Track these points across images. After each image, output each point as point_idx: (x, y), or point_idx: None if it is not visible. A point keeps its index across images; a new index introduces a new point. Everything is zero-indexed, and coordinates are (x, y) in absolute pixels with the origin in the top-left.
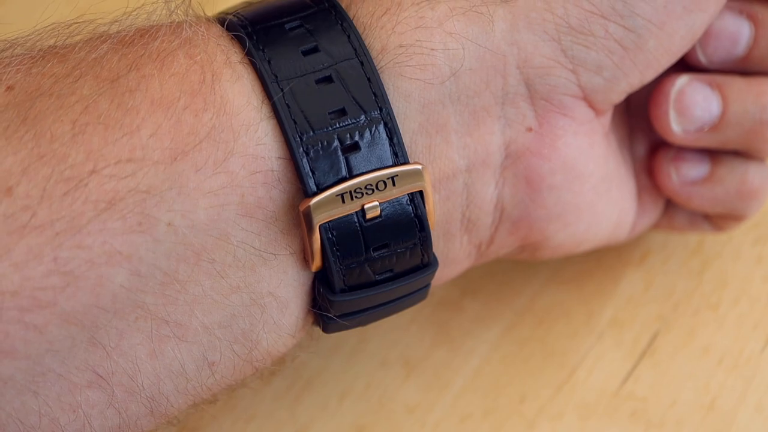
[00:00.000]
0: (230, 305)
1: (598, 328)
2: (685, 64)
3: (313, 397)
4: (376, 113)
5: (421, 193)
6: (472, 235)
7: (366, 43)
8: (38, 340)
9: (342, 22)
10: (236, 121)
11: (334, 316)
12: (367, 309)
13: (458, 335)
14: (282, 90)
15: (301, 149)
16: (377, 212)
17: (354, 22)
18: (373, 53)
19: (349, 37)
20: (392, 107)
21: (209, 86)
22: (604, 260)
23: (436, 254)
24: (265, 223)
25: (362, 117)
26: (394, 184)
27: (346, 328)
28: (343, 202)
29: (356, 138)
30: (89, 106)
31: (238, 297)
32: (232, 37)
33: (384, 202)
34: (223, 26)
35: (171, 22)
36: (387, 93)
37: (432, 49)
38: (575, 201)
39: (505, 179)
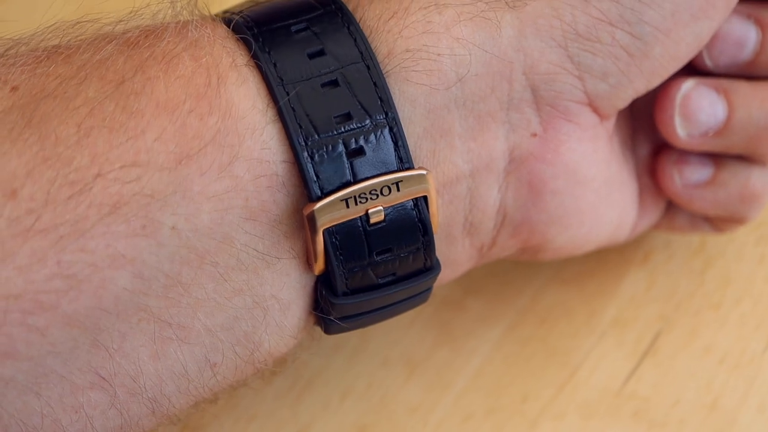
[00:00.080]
0: (233, 308)
1: (601, 328)
2: (690, 67)
3: (315, 397)
4: (381, 118)
5: (425, 197)
6: (474, 238)
7: (372, 46)
8: (40, 342)
9: (349, 26)
10: (241, 125)
11: (336, 318)
12: (368, 312)
13: (460, 335)
14: (288, 94)
15: (306, 153)
16: (381, 217)
17: (360, 24)
18: (380, 57)
19: (355, 40)
20: (398, 112)
21: (215, 89)
22: (606, 260)
23: (438, 257)
24: (268, 226)
25: (367, 121)
26: (398, 189)
27: (348, 329)
28: (348, 206)
29: (361, 142)
30: (94, 109)
31: (241, 300)
32: (237, 39)
33: (388, 207)
34: (228, 27)
35: (177, 23)
36: (393, 97)
37: (439, 55)
38: (577, 205)
39: (508, 184)
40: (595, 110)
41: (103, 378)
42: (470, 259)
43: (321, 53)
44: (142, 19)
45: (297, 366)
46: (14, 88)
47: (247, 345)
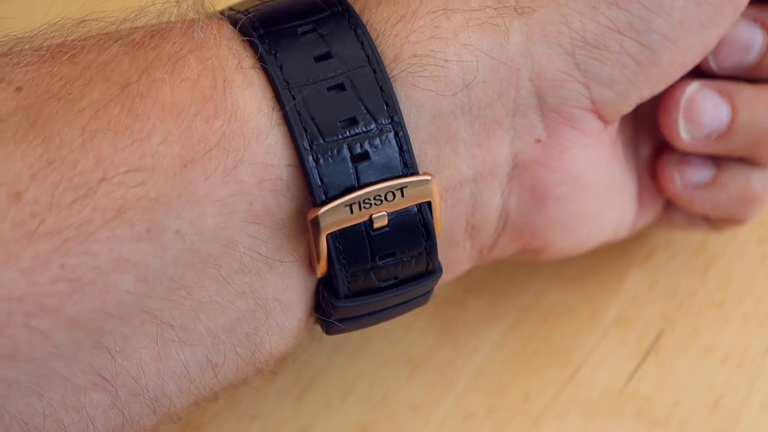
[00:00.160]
0: (235, 310)
1: (603, 327)
2: (694, 69)
3: (317, 396)
4: (387, 122)
5: (428, 202)
6: (475, 241)
7: (379, 50)
8: (43, 344)
9: (356, 28)
10: (247, 129)
11: (337, 320)
12: (369, 313)
13: (462, 333)
14: (293, 97)
15: (311, 157)
16: (385, 222)
17: (367, 27)
18: (386, 61)
19: (362, 44)
20: (403, 117)
21: (220, 92)
22: (608, 258)
23: (439, 259)
24: (272, 230)
25: (373, 126)
26: (402, 195)
27: (348, 330)
28: (352, 212)
29: (366, 147)
30: (99, 111)
31: (244, 302)
32: (243, 40)
33: (392, 212)
34: (234, 26)
35: (182, 22)
36: (399, 102)
37: (446, 61)
38: (579, 211)
39: (511, 189)
40: (600, 116)
41: (105, 379)
42: (470, 260)
43: (327, 56)
44: (148, 17)
45: (298, 365)
46: (18, 89)
47: (249, 346)
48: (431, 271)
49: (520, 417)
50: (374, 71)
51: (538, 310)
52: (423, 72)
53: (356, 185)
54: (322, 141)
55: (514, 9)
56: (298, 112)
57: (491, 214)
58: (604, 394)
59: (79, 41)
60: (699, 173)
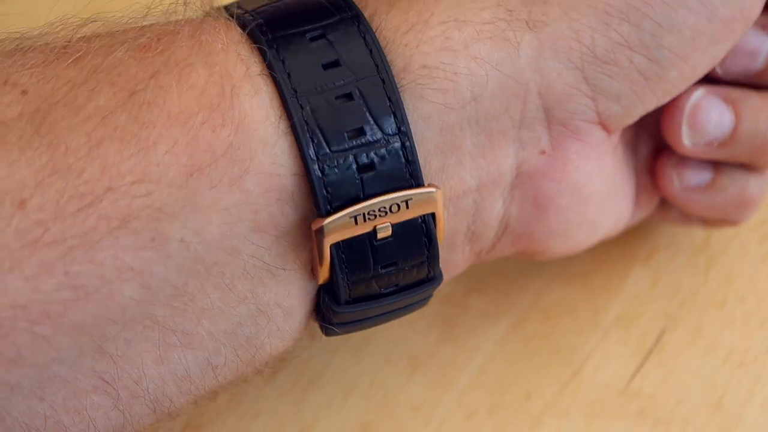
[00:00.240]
0: (237, 315)
1: (605, 325)
2: None
3: (318, 395)
4: (394, 133)
5: (432, 213)
6: (474, 245)
7: (388, 58)
8: (46, 349)
9: (365, 36)
10: (253, 138)
11: (336, 323)
12: (368, 318)
13: (463, 332)
14: (302, 107)
15: (317, 167)
16: (389, 233)
17: (377, 35)
18: (395, 70)
19: (371, 51)
20: (410, 128)
21: (228, 101)
22: (610, 257)
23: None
24: (276, 238)
25: (380, 136)
26: (407, 207)
27: (346, 333)
28: (356, 223)
29: (372, 157)
30: (105, 119)
31: (245, 307)
32: (251, 44)
33: (396, 224)
34: (242, 29)
35: (190, 24)
36: (406, 113)
37: (455, 74)
38: (579, 219)
39: (513, 197)
40: (605, 128)
41: (107, 382)
42: (467, 262)
43: (336, 64)
44: (155, 17)
45: (300, 364)
46: (24, 92)
47: (249, 348)
48: (432, 278)
49: (521, 416)
50: (383, 81)
51: (539, 308)
52: (432, 84)
53: (361, 196)
54: (328, 151)
55: (526, 22)
56: (306, 122)
57: (492, 221)
58: (606, 393)
59: (84, 42)
60: (697, 176)
